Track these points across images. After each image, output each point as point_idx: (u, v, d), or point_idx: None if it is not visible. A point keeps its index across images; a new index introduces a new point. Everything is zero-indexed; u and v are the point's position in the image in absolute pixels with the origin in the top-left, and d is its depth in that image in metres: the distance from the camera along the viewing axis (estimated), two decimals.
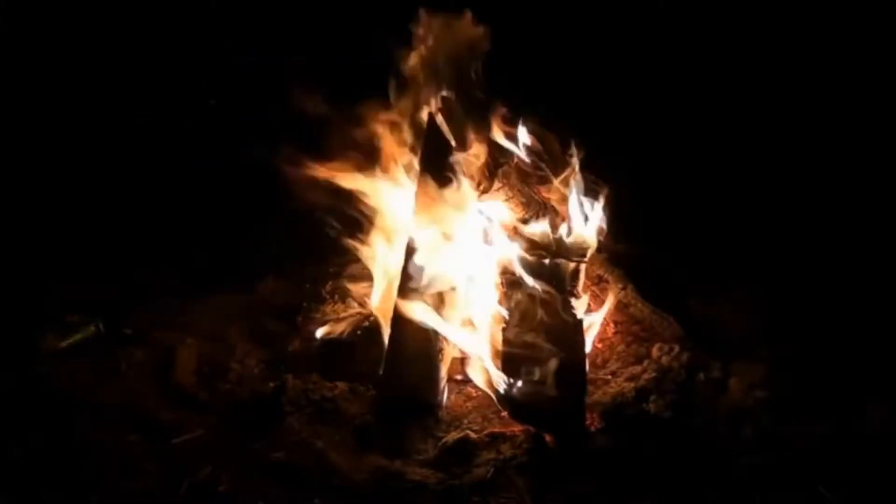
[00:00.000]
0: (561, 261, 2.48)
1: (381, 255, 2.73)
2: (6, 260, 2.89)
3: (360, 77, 2.73)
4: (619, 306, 2.70)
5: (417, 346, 2.39)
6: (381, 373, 2.44)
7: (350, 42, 3.14)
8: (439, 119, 2.52)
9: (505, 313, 2.37)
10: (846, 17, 3.35)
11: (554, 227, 2.59)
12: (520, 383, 2.27)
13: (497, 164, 2.69)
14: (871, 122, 3.20)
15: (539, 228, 2.51)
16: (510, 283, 2.42)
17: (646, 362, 2.51)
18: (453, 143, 2.53)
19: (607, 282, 2.71)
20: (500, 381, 2.32)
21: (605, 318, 2.77)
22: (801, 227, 3.04)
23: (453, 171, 2.52)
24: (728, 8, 3.49)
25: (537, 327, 2.29)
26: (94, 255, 3.03)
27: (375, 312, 2.65)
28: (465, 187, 2.58)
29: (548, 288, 2.38)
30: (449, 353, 2.51)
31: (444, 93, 2.56)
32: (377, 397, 2.39)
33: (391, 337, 2.44)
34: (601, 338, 2.74)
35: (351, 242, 2.71)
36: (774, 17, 3.44)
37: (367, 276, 2.85)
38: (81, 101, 3.41)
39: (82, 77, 3.44)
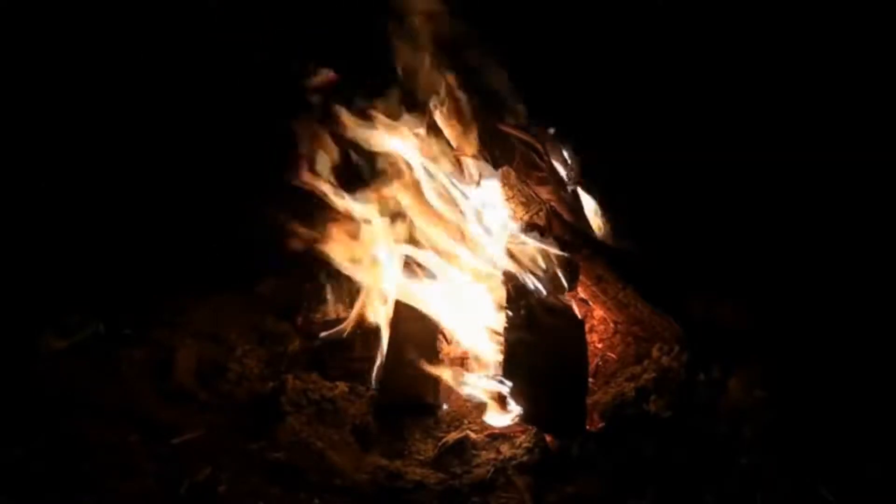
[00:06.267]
0: (561, 262, 2.48)
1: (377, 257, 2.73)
2: (6, 260, 2.88)
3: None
4: (619, 306, 2.70)
5: (416, 346, 2.40)
6: (380, 373, 2.45)
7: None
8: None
9: (508, 313, 2.37)
10: (846, 16, 3.35)
11: (554, 229, 2.59)
12: (520, 384, 2.27)
13: (497, 165, 2.70)
14: (871, 122, 3.19)
15: (539, 230, 2.52)
16: (512, 285, 2.42)
17: (646, 362, 2.51)
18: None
19: (607, 282, 2.70)
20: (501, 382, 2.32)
21: (605, 318, 2.77)
22: (801, 227, 3.04)
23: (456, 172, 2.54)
24: (727, 6, 3.49)
25: (538, 329, 2.29)
26: (94, 255, 3.03)
27: (374, 313, 2.65)
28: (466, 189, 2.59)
29: (549, 290, 2.39)
30: (448, 354, 2.51)
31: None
32: (377, 397, 2.39)
33: (390, 337, 2.44)
34: (601, 338, 2.74)
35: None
36: (773, 15, 3.44)
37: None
38: (82, 100, 3.41)
39: (83, 77, 3.44)
